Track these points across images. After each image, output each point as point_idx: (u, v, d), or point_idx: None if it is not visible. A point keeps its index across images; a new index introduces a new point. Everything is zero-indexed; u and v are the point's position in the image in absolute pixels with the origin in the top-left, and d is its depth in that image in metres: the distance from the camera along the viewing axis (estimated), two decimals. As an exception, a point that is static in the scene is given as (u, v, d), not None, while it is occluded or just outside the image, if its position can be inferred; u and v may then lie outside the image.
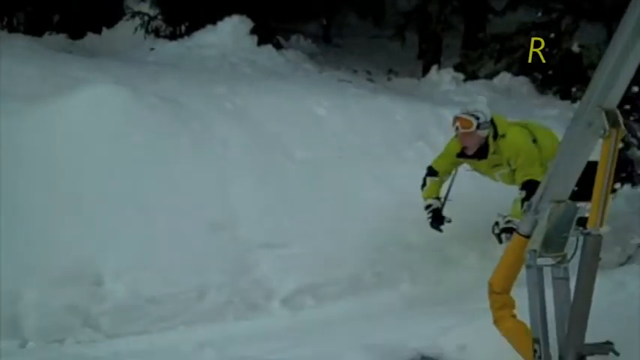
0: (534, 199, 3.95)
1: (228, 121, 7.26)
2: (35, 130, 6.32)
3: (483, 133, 5.98)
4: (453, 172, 6.47)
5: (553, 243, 3.90)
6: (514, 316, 4.17)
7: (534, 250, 3.90)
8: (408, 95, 10.05)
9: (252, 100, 7.66)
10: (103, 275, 5.77)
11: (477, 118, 5.95)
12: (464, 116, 5.97)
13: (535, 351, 3.84)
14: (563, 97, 12.09)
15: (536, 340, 3.84)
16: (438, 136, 7.78)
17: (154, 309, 5.73)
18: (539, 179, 5.18)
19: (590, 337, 3.71)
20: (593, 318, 3.66)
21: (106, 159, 6.32)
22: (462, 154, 6.23)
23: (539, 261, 3.93)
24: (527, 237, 3.99)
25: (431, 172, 6.46)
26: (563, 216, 3.85)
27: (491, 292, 4.22)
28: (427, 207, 6.40)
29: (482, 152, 6.13)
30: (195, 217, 6.30)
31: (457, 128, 5.99)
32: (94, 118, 6.55)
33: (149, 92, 7.07)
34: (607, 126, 3.41)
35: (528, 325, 3.96)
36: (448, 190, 6.43)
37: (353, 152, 7.34)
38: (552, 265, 3.97)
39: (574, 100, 11.05)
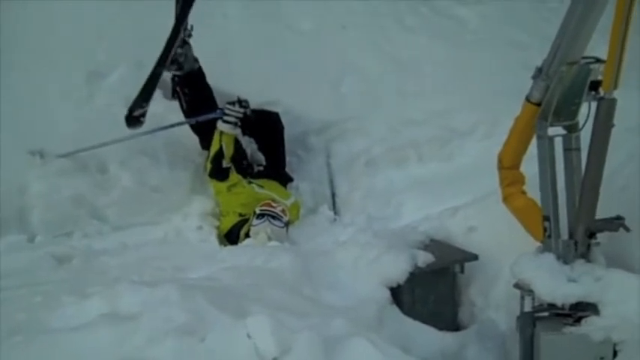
0: (545, 63, 3.73)
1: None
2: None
3: None
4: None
5: (565, 110, 3.74)
6: (524, 192, 4.05)
7: (545, 119, 3.73)
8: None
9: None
10: (108, 163, 5.66)
11: None
12: None
13: (545, 229, 3.72)
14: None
15: (546, 218, 3.73)
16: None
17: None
18: None
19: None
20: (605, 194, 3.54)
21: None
22: None
23: (551, 130, 3.77)
24: (538, 105, 3.82)
25: None
26: (576, 79, 3.66)
27: (501, 167, 4.08)
28: None
29: None
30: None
31: None
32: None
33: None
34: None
35: (538, 202, 3.80)
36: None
37: (357, 21, 6.96)
38: (564, 135, 3.80)
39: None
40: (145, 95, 5.37)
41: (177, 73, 5.66)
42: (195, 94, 5.74)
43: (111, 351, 2.93)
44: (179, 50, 5.54)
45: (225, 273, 4.12)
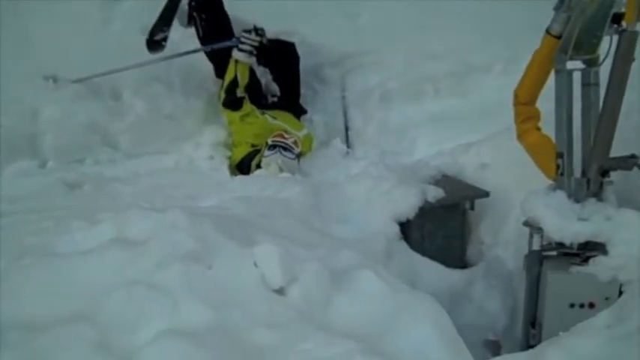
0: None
1: None
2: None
3: None
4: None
5: (586, 43, 3.66)
6: (539, 129, 3.97)
7: (565, 52, 3.64)
8: None
9: None
10: (122, 90, 5.62)
11: None
12: None
13: (558, 166, 3.66)
14: None
15: (559, 155, 3.67)
16: None
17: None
18: None
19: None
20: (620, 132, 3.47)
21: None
22: None
23: (570, 64, 3.69)
24: (558, 37, 3.73)
25: None
26: (598, 11, 3.55)
27: (517, 102, 4.01)
28: None
29: None
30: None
31: None
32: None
33: None
34: None
35: (553, 140, 3.75)
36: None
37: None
38: (582, 70, 3.72)
39: None
40: (165, 20, 5.38)
41: None
42: (212, 21, 5.65)
43: (118, 274, 2.93)
44: None
45: (235, 202, 4.11)
